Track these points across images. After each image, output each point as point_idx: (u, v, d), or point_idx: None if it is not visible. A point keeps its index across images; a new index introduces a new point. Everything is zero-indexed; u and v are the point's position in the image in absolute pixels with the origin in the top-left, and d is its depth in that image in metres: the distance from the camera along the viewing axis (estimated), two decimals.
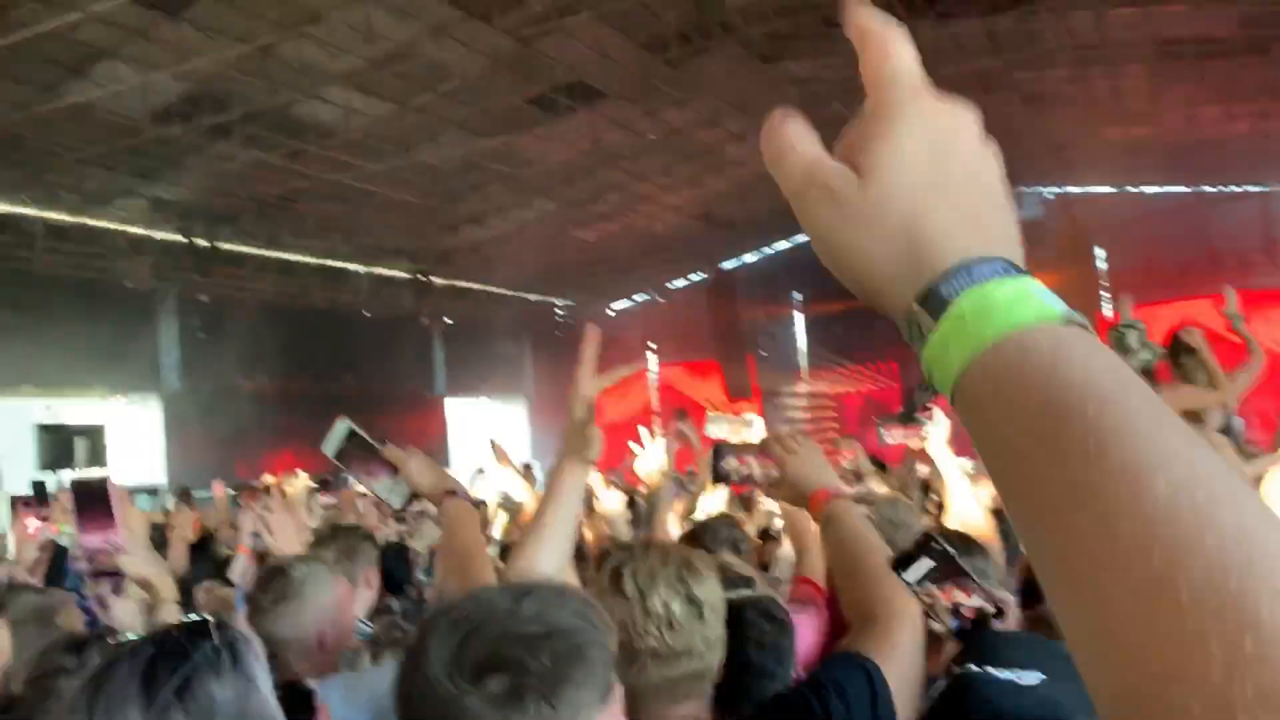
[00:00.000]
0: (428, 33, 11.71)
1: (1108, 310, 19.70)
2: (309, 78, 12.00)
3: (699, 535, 3.21)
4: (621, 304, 24.95)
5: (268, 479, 8.58)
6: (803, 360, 23.40)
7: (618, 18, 12.14)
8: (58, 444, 12.23)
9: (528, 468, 7.82)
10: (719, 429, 2.97)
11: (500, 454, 4.22)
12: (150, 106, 11.92)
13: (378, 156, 14.09)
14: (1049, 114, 16.49)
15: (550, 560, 1.98)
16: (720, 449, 2.14)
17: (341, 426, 2.37)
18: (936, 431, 2.63)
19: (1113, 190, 20.36)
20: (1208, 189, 19.65)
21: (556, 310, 24.44)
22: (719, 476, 2.13)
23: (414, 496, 2.39)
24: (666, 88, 14.05)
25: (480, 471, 8.28)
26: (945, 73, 14.14)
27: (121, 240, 14.87)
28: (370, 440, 2.37)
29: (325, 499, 7.51)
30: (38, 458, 12.00)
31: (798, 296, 23.19)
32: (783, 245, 23.09)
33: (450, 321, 20.57)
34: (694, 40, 12.80)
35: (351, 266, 18.33)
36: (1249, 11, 11.64)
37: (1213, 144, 16.81)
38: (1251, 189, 19.26)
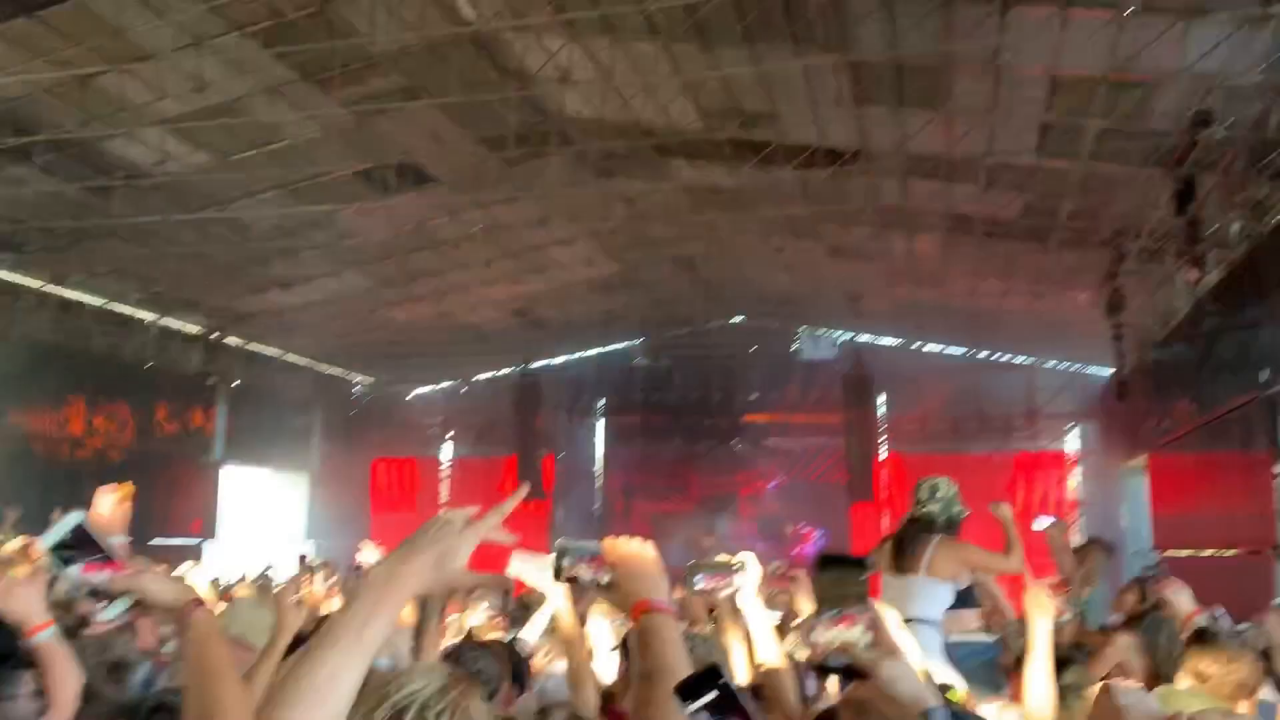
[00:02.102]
0: (261, 91, 11.48)
1: (883, 453, 20.96)
2: (128, 115, 11.46)
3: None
4: (423, 389, 24.52)
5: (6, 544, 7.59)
6: (599, 467, 23.59)
7: (461, 110, 12.27)
8: None
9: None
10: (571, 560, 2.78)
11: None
12: None
13: (187, 205, 13.51)
14: (849, 266, 17.68)
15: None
16: (565, 548, 2.12)
17: (71, 518, 2.02)
18: (747, 581, 2.65)
19: (898, 343, 21.86)
20: (981, 354, 21.41)
21: (354, 387, 23.77)
22: (558, 574, 2.10)
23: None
24: (500, 183, 14.23)
25: (268, 569, 7.73)
26: (760, 215, 15.04)
27: None
28: (102, 546, 2.01)
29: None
30: None
31: (601, 404, 23.50)
32: (593, 352, 23.48)
33: (238, 384, 19.61)
34: (533, 144, 13.07)
35: (140, 314, 17.30)
36: (1031, 201, 12.96)
37: (990, 314, 18.40)
38: (1019, 359, 21.11)
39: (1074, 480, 20.26)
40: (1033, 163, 11.67)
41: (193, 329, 18.30)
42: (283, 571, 11.88)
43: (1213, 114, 9.12)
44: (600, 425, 23.69)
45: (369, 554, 3.71)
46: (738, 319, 22.87)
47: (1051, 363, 20.87)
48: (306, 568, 6.73)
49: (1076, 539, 15.21)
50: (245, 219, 14.41)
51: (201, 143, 12.39)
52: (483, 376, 24.02)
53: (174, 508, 17.21)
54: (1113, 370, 15.65)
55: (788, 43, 10.19)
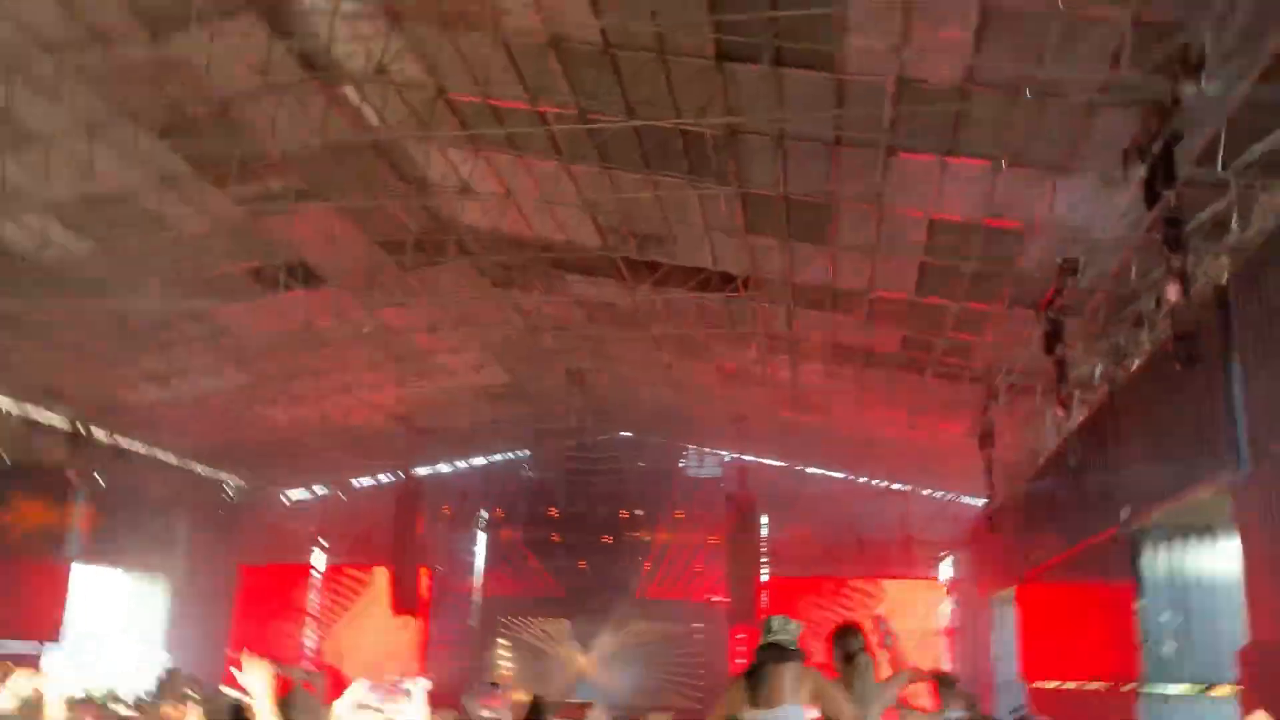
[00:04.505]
0: (153, 182, 11.26)
1: (764, 574, 21.03)
2: (8, 199, 11.07)
3: None
4: (298, 493, 23.70)
5: None
6: (478, 579, 23.01)
7: (358, 213, 12.26)
8: None
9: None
10: (370, 697, 2.78)
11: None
12: None
13: (63, 292, 13.01)
14: (737, 387, 18.01)
15: None
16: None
17: None
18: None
19: (781, 465, 22.21)
20: (861, 480, 21.88)
21: (226, 488, 22.81)
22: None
23: None
24: (392, 287, 14.14)
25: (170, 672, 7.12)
26: (655, 333, 15.28)
27: None
28: None
29: None
30: None
31: (484, 515, 23.08)
32: (478, 461, 23.15)
33: (100, 480, 18.61)
34: (429, 251, 13.09)
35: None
36: (910, 334, 13.50)
37: (869, 441, 18.89)
38: (896, 486, 21.64)
39: (945, 608, 20.62)
40: (912, 298, 12.19)
41: (57, 421, 17.40)
42: (134, 684, 11.12)
43: (1078, 263, 9.73)
44: (482, 537, 23.20)
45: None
46: (625, 434, 22.95)
47: (927, 491, 21.44)
48: (172, 688, 6.28)
49: (946, 667, 15.45)
50: (123, 310, 13.93)
51: (85, 230, 12.03)
52: (362, 482, 23.39)
53: (18, 608, 16.05)
54: (984, 501, 16.15)
55: (684, 171, 10.55)
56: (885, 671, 5.32)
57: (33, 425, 17.07)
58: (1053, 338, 10.42)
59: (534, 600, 22.38)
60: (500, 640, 22.39)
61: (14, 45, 8.93)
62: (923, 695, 8.45)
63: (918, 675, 6.47)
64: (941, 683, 6.55)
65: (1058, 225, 9.63)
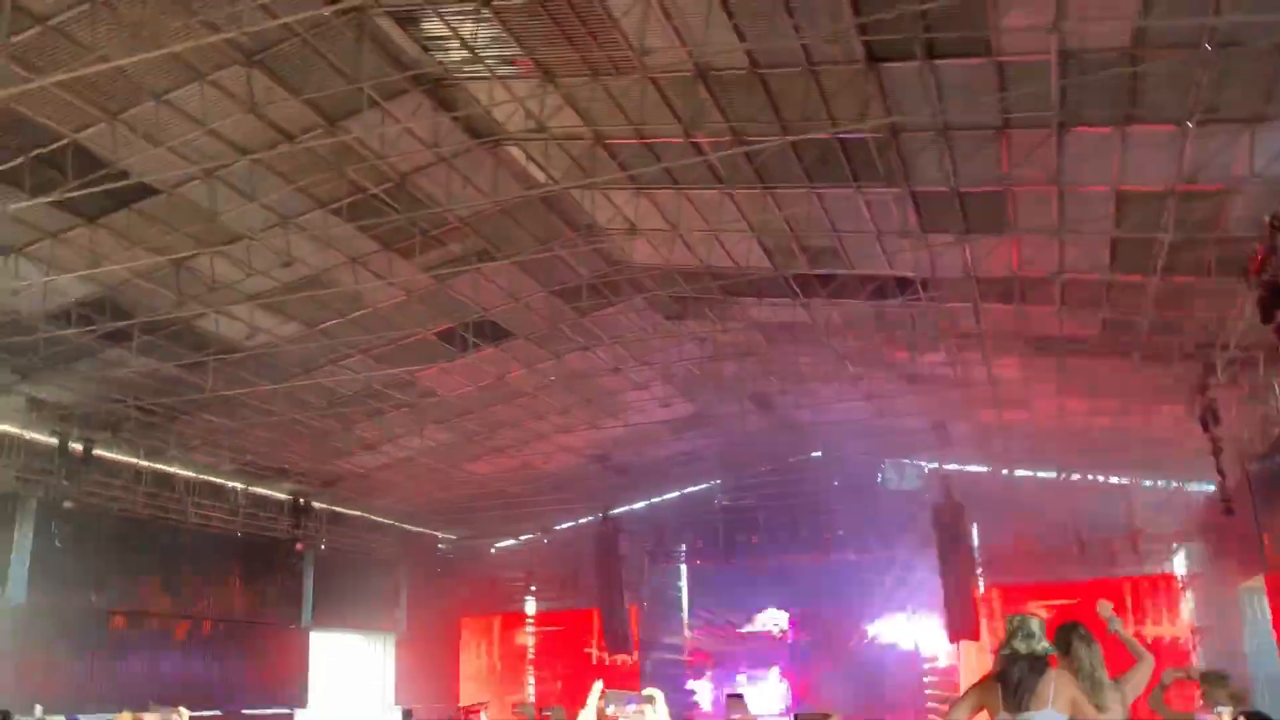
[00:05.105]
0: (345, 263, 12.02)
1: (981, 585, 20.18)
2: (219, 293, 12.06)
3: None
4: (505, 541, 24.50)
5: (123, 717, 7.72)
6: (685, 614, 23.10)
7: (534, 266, 12.69)
8: None
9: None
10: (613, 707, 2.94)
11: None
12: (47, 307, 11.72)
13: (277, 375, 14.01)
14: (929, 393, 17.46)
15: None
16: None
17: None
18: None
19: (985, 469, 21.32)
20: (1074, 477, 20.73)
21: (439, 543, 23.85)
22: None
23: None
24: (573, 333, 14.53)
25: None
26: (835, 346, 15.05)
27: None
28: None
29: None
30: None
31: (683, 548, 23.16)
32: (672, 495, 23.30)
33: (324, 548, 19.82)
34: (604, 293, 13.38)
35: (231, 483, 17.76)
36: (1111, 316, 12.77)
37: (1078, 435, 17.91)
38: (1113, 480, 20.38)
39: (1187, 604, 19.21)
40: (1107, 278, 11.56)
41: (281, 495, 18.68)
42: None
43: None
44: (684, 569, 23.29)
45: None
46: (816, 454, 22.59)
47: (1149, 481, 20.10)
48: None
49: (1198, 668, 14.36)
50: (330, 385, 14.86)
51: (289, 314, 12.94)
52: (564, 525, 23.95)
53: (265, 675, 17.24)
54: (1215, 486, 15.01)
55: (848, 179, 10.40)
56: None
57: (261, 502, 18.39)
58: (1270, 302, 9.62)
59: (738, 632, 22.29)
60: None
61: (211, 151, 9.76)
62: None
63: (1184, 674, 6.07)
64: (1208, 681, 6.05)
65: (1261, 180, 8.93)
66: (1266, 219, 9.12)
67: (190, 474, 16.99)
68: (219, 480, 17.53)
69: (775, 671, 22.16)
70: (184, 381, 13.88)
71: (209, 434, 15.94)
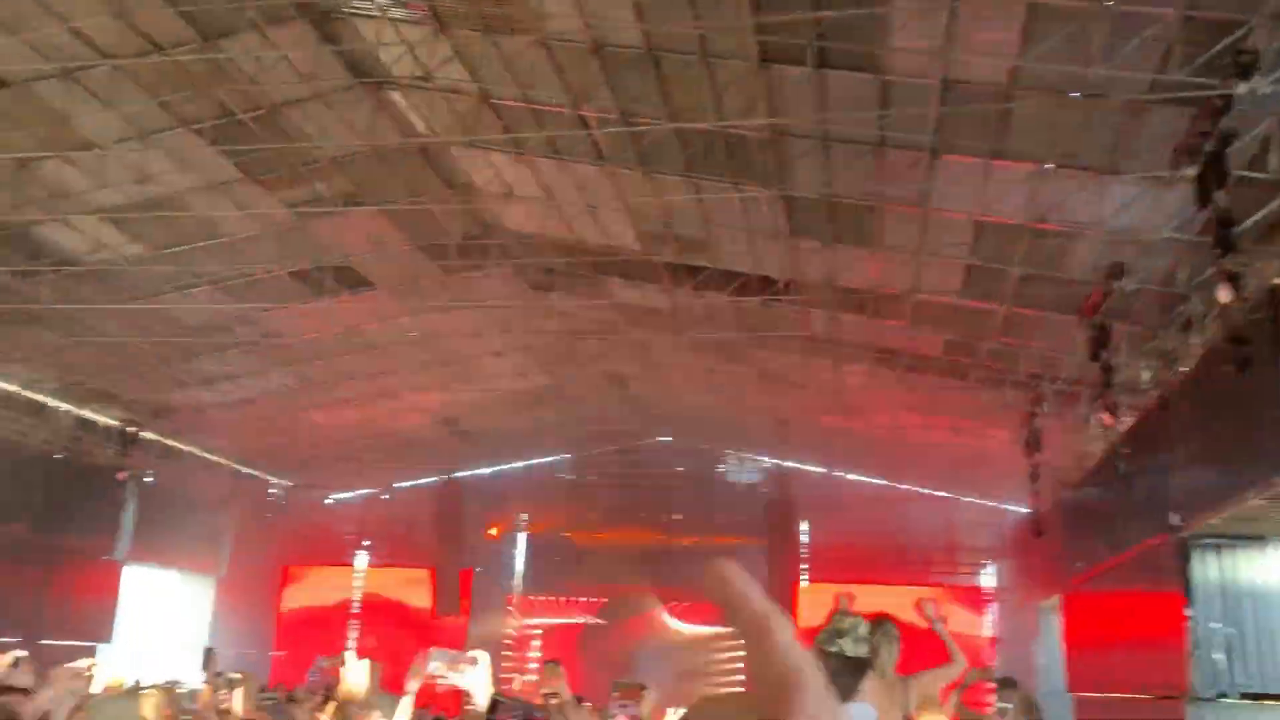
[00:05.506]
0: (203, 187, 11.48)
1: (804, 580, 20.93)
2: (63, 202, 11.34)
3: None
4: (342, 494, 23.96)
5: None
6: (519, 582, 23.13)
7: (403, 218, 12.40)
8: None
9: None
10: (438, 665, 2.93)
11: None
12: None
13: (118, 295, 13.28)
14: (778, 392, 17.94)
15: None
16: (497, 703, 2.24)
17: None
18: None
19: (822, 471, 22.07)
20: (902, 486, 21.67)
21: (270, 488, 23.12)
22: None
23: None
24: (436, 291, 14.28)
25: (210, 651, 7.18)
26: (696, 336, 15.28)
27: None
28: None
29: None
30: None
31: (524, 517, 23.20)
32: (518, 465, 23.27)
33: (150, 480, 18.92)
34: (472, 255, 13.20)
35: (54, 403, 16.75)
36: (954, 338, 13.38)
37: (911, 447, 18.71)
38: (938, 493, 21.41)
39: (989, 616, 20.39)
40: (956, 302, 12.10)
41: (110, 420, 17.73)
42: (189, 680, 11.30)
43: (1125, 266, 9.60)
44: (522, 539, 23.32)
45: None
46: (665, 439, 22.95)
47: (969, 497, 21.20)
48: (218, 674, 6.33)
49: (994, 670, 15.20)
50: (174, 313, 14.18)
51: (137, 234, 12.28)
52: (404, 484, 23.59)
53: (71, 609, 16.39)
54: (1029, 508, 15.95)
55: (727, 175, 10.56)
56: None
57: (86, 426, 17.41)
58: (1098, 342, 10.29)
59: (570, 604, 22.43)
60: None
61: (70, 51, 9.15)
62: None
63: (986, 675, 6.38)
64: (1001, 684, 6.43)
65: (1105, 227, 9.51)
66: (1105, 265, 9.74)
67: (11, 387, 15.94)
68: (40, 399, 16.50)
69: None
70: (13, 290, 13.00)
71: (35, 348, 14.99)
